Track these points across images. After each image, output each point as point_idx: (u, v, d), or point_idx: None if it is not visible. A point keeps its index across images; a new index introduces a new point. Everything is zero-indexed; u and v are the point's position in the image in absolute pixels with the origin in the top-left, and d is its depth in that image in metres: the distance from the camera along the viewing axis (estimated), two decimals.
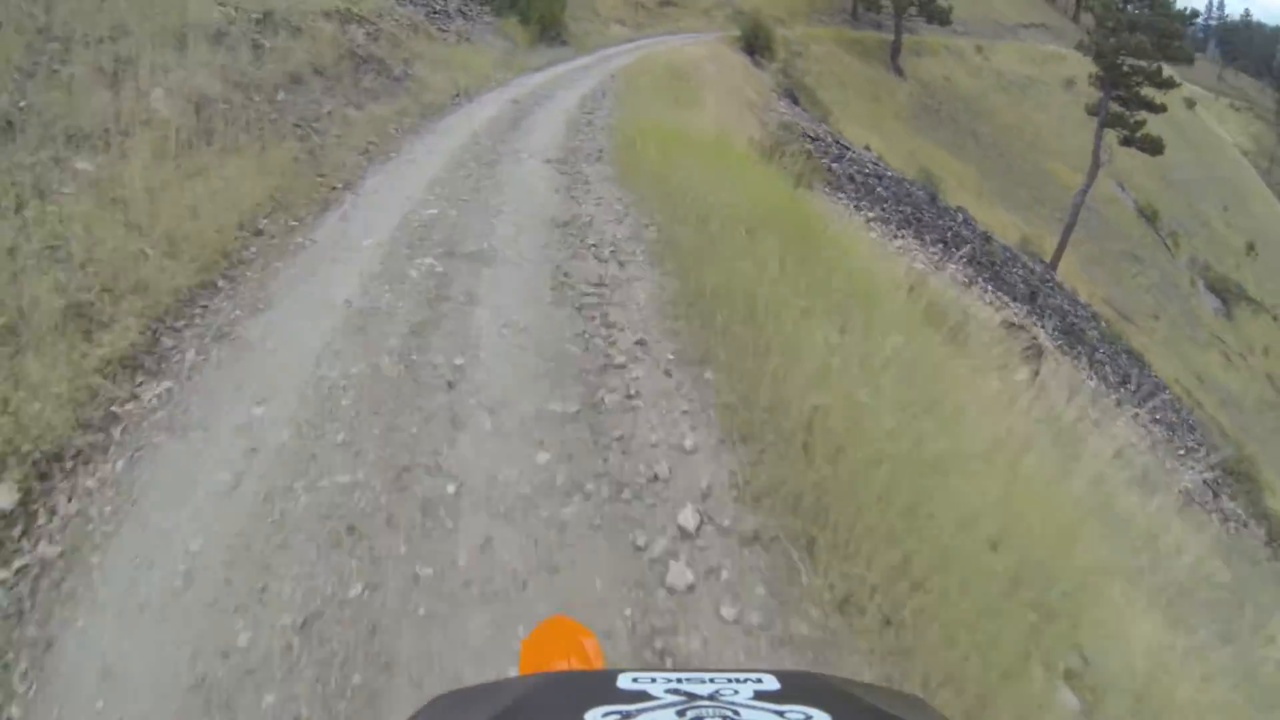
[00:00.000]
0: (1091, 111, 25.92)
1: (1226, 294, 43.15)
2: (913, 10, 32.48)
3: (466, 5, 16.30)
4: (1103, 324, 21.51)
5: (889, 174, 19.61)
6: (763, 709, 0.42)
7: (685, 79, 13.97)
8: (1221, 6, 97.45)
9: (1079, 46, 27.24)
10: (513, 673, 1.24)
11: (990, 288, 13.95)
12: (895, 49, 33.69)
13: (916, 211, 16.37)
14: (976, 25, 44.70)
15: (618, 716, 0.41)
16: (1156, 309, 33.12)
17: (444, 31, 12.36)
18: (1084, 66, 51.27)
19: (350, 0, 8.81)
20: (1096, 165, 24.38)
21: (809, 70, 27.28)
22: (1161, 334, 32.13)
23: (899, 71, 33.74)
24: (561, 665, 1.02)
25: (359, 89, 7.62)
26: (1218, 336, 37.55)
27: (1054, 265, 25.37)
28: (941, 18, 32.73)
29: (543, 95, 11.18)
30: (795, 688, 0.46)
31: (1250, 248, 51.50)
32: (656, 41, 22.65)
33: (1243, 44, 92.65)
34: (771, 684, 0.47)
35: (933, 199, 20.42)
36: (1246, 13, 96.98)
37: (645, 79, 12.46)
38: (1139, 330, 29.01)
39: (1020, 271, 20.24)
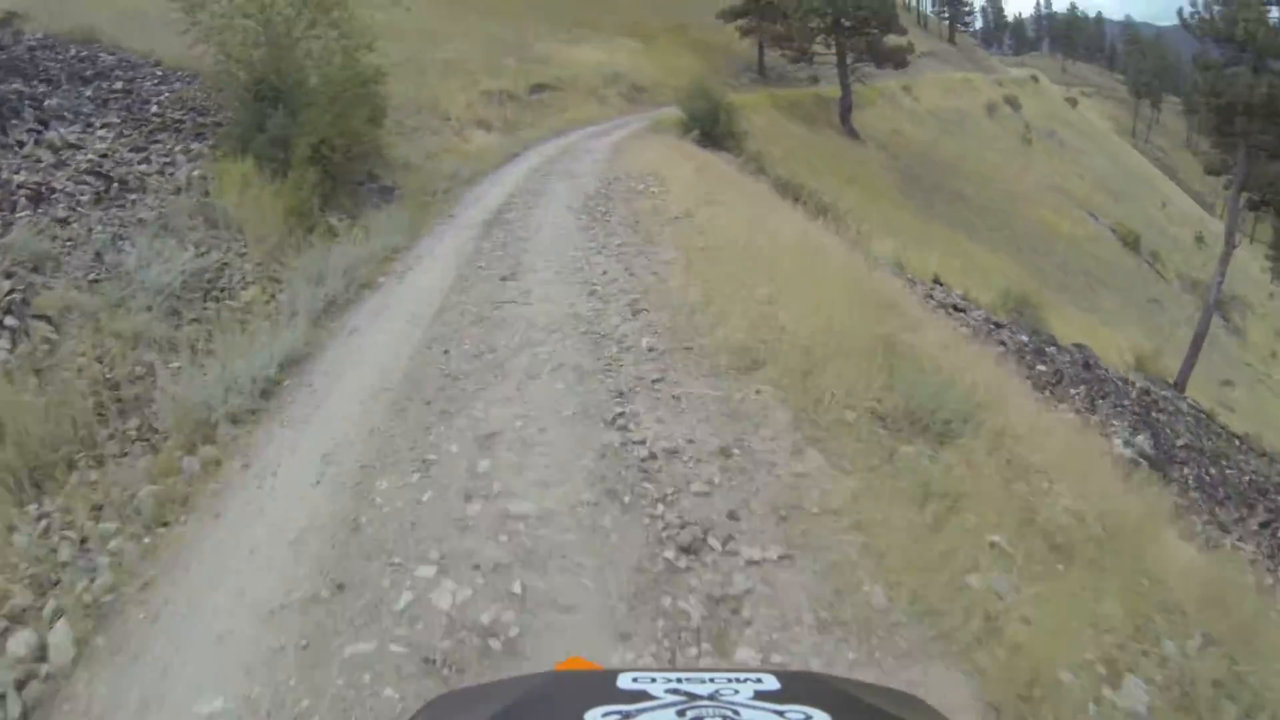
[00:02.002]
0: (1215, 171, 18.85)
1: (1224, 312, 38.09)
2: (862, 56, 24.85)
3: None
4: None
5: (1005, 326, 11.72)
6: (763, 709, 0.41)
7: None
8: (1049, 4, 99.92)
9: None
10: None
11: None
12: (846, 107, 26.07)
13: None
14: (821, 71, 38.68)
15: (618, 716, 0.40)
16: (1223, 375, 26.27)
17: None
18: (990, 90, 45.71)
19: None
20: (1231, 248, 17.14)
21: (770, 154, 18.79)
22: (1241, 402, 25.37)
23: (854, 134, 26.02)
24: None
25: None
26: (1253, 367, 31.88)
27: (1182, 387, 17.52)
28: (898, 59, 25.25)
29: None
30: (795, 688, 0.46)
31: (1199, 239, 47.75)
32: (560, 150, 14.41)
33: (1076, 35, 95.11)
34: (771, 684, 0.46)
35: (1087, 365, 12.14)
36: (1073, 6, 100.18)
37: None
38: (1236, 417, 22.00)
39: (1171, 417, 12.25)
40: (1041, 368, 9.29)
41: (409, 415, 4.13)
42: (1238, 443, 13.46)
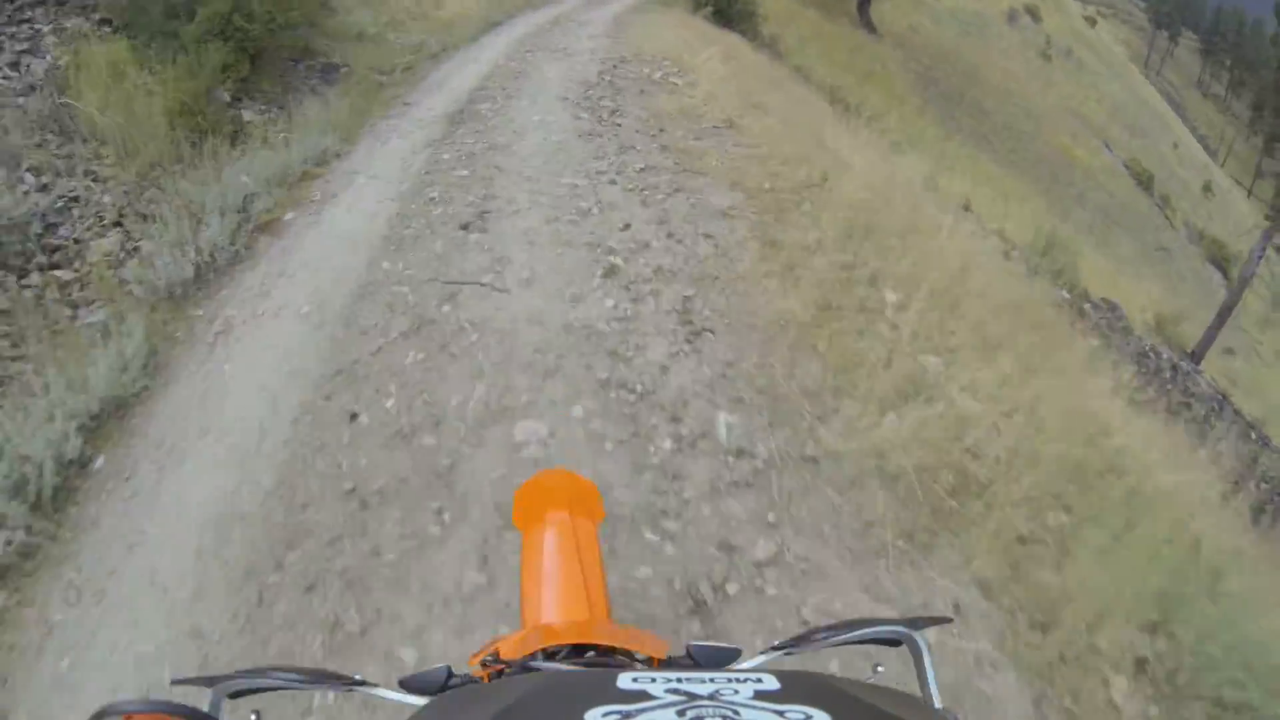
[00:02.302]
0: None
1: (1224, 267, 36.82)
2: None
3: None
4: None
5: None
6: (763, 709, 0.41)
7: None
8: None
9: None
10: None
11: None
12: None
13: None
14: None
15: (618, 716, 0.40)
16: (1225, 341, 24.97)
17: None
18: None
19: None
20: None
21: (783, 40, 16.32)
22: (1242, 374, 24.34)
23: (871, 27, 23.02)
24: (553, 513, 1.19)
25: None
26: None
27: (1199, 358, 16.05)
28: None
29: None
30: (795, 688, 0.46)
31: (1207, 188, 46.03)
32: (551, 21, 11.71)
33: None
34: (771, 684, 0.46)
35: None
36: None
37: None
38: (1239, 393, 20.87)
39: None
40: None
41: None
42: (1252, 434, 12.09)
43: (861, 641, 0.79)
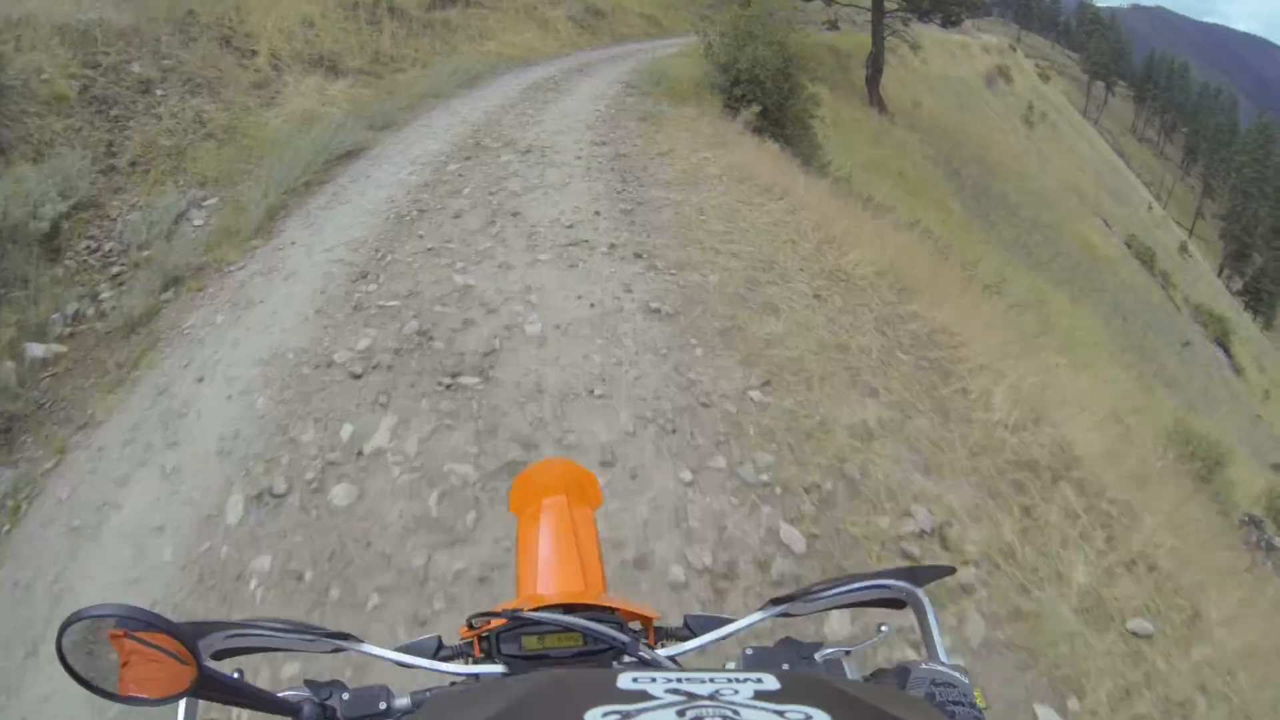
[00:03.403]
0: None
1: (1226, 346, 34.06)
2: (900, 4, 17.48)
3: None
4: None
5: None
6: (763, 709, 0.41)
7: None
8: None
9: None
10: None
11: None
12: (876, 70, 18.68)
13: None
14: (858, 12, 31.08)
15: (618, 716, 0.40)
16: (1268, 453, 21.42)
17: None
18: (983, 58, 39.68)
19: None
20: None
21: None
22: None
23: (881, 105, 18.87)
24: (551, 499, 1.18)
25: None
26: None
27: None
28: (953, 11, 18.03)
29: None
30: (795, 687, 0.46)
31: (1183, 248, 43.89)
32: (471, 138, 7.19)
33: (1034, 6, 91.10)
34: (772, 684, 0.46)
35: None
36: None
37: None
38: None
39: None
40: None
41: None
42: None
43: (862, 604, 0.78)
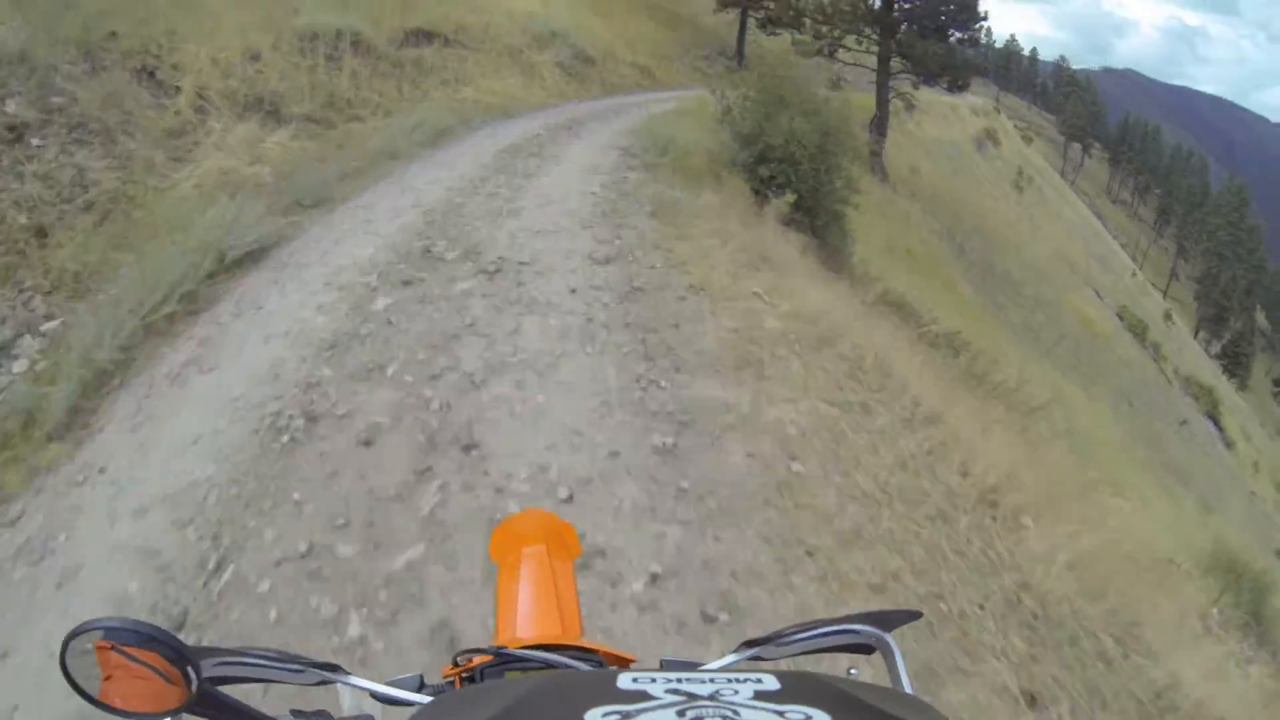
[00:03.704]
0: None
1: (1217, 419, 33.50)
2: (903, 65, 16.67)
3: None
4: None
5: None
6: (763, 709, 0.41)
7: None
8: (989, 35, 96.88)
9: None
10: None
11: None
12: (880, 136, 17.76)
13: None
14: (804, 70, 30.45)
15: (618, 716, 0.40)
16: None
17: None
18: (970, 120, 39.51)
19: None
20: None
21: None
22: None
23: (884, 173, 17.97)
24: (530, 549, 1.18)
25: None
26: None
27: None
28: (962, 77, 17.23)
29: None
30: (795, 688, 0.46)
31: (1167, 316, 43.70)
32: (431, 213, 5.74)
33: (1014, 69, 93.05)
34: (771, 684, 0.46)
35: None
36: (1012, 38, 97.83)
37: None
38: None
39: None
40: None
41: None
42: None
43: (833, 649, 0.79)
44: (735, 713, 0.40)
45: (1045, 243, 29.06)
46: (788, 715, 0.40)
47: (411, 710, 0.72)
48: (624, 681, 0.46)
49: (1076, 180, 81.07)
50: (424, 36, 11.90)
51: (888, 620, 0.76)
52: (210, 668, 0.66)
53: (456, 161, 7.45)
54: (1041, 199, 38.95)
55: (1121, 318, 29.97)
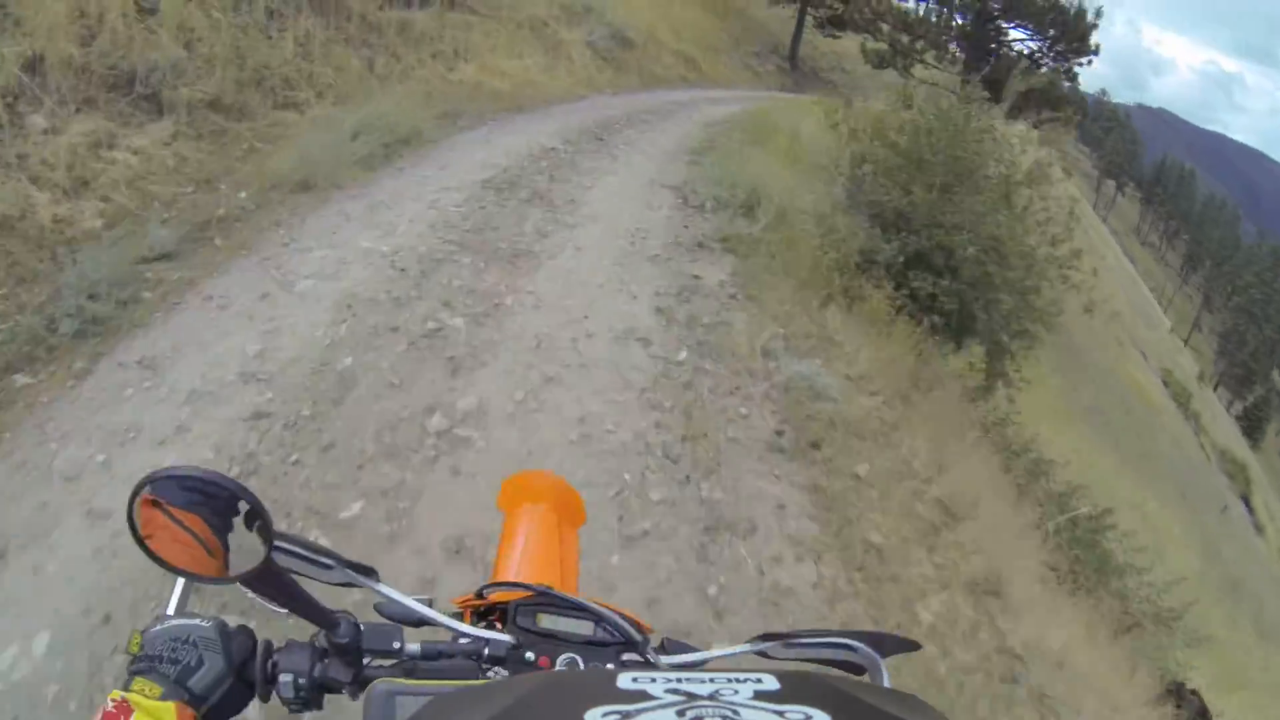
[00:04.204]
0: None
1: (1249, 500, 31.41)
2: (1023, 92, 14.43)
3: None
4: None
5: None
6: (763, 709, 0.41)
7: None
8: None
9: None
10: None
11: None
12: None
13: None
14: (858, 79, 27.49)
15: (618, 716, 0.39)
16: None
17: None
18: (1031, 151, 36.85)
19: None
20: None
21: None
22: None
23: None
24: (538, 505, 1.21)
25: None
26: None
27: None
28: (1062, 109, 14.88)
29: None
30: (795, 688, 0.45)
31: (1201, 377, 41.69)
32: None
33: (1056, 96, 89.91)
34: (771, 684, 0.46)
35: None
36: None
37: None
38: None
39: None
40: None
41: None
42: None
43: (828, 662, 0.80)
44: (735, 713, 0.40)
45: (1100, 297, 26.85)
46: (787, 715, 0.40)
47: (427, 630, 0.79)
48: (624, 681, 0.46)
49: (1108, 217, 78.81)
50: None
51: (884, 645, 0.77)
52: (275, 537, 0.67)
53: (396, 215, 4.62)
54: (1086, 239, 36.66)
55: (1166, 384, 27.80)
